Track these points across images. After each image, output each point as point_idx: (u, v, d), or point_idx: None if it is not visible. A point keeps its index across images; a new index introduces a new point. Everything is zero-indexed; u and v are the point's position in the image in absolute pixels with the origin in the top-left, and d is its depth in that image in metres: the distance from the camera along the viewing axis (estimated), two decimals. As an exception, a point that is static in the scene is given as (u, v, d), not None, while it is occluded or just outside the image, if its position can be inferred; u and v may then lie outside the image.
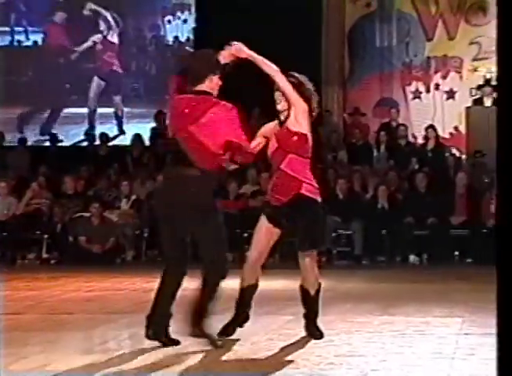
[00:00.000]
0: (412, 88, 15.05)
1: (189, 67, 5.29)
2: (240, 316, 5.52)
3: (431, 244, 11.67)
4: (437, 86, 14.99)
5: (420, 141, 14.15)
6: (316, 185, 5.50)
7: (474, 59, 14.80)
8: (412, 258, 11.62)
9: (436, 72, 14.99)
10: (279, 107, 5.47)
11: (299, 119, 5.43)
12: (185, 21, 16.02)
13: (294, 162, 5.41)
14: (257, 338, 5.51)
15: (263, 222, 5.55)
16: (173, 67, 15.55)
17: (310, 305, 5.50)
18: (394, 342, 5.36)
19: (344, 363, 4.66)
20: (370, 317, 6.44)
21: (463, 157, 13.76)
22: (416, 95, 15.05)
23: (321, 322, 6.03)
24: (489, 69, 14.65)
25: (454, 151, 14.24)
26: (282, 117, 5.48)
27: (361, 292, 8.44)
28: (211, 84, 5.17)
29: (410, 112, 15.05)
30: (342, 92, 15.16)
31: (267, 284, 8.87)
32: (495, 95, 13.50)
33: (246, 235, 12.22)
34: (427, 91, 15.04)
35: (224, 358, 4.92)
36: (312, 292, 5.48)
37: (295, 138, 5.43)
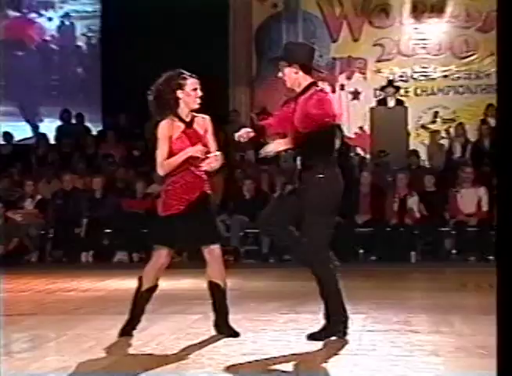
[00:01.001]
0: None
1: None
2: (136, 318, 5.52)
3: (337, 242, 11.79)
4: (342, 87, 15.21)
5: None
6: None
7: (378, 61, 15.07)
8: (319, 256, 11.74)
9: (341, 73, 15.20)
10: (197, 106, 5.52)
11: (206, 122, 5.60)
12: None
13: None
14: (164, 337, 5.49)
15: None
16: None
17: (221, 300, 5.52)
18: (300, 340, 5.42)
19: (247, 362, 4.69)
20: (276, 315, 6.49)
21: (368, 156, 13.99)
22: (322, 95, 15.23)
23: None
24: (392, 70, 14.96)
25: (359, 151, 14.46)
26: (187, 119, 5.49)
27: (267, 291, 8.49)
28: None
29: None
30: (249, 91, 15.23)
31: (174, 284, 8.87)
32: (397, 95, 13.79)
33: (153, 235, 12.19)
34: (333, 91, 15.22)
35: (129, 358, 4.90)
36: (222, 285, 5.53)
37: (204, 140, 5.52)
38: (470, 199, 11.46)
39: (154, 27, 14.23)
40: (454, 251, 11.58)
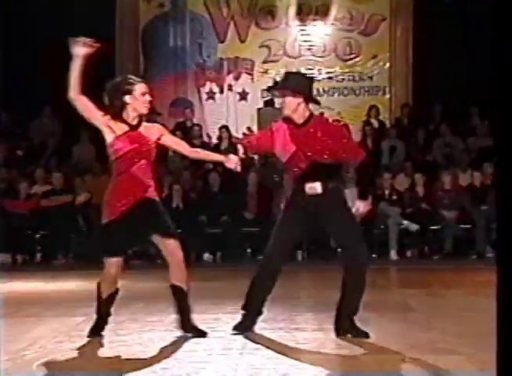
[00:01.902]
0: (206, 88, 15.25)
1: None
2: (103, 319, 5.57)
3: (224, 242, 11.89)
4: (230, 87, 15.27)
5: (214, 141, 14.35)
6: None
7: (265, 62, 15.20)
8: (205, 256, 11.79)
9: (229, 73, 15.26)
10: (145, 111, 5.55)
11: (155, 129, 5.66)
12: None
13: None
14: (46, 340, 5.40)
15: None
16: None
17: (183, 302, 5.61)
18: (186, 340, 5.43)
19: (132, 364, 4.67)
20: (163, 316, 6.47)
21: (255, 156, 14.08)
22: (210, 95, 15.27)
23: (113, 322, 6.00)
24: (279, 71, 15.11)
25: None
26: (134, 122, 5.50)
27: (154, 291, 8.43)
28: None
29: (205, 112, 15.24)
30: (137, 91, 15.12)
31: (58, 286, 8.74)
32: (284, 96, 13.91)
33: (38, 236, 11.96)
34: (221, 92, 15.29)
35: (8, 363, 4.79)
36: (184, 287, 5.61)
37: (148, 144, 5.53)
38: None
39: (43, 28, 13.96)
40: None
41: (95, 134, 15.04)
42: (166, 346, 5.22)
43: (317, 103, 5.78)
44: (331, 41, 15.10)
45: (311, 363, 4.68)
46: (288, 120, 5.60)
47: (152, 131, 5.55)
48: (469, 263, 10.95)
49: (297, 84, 5.63)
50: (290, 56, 15.17)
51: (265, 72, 15.14)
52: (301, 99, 5.55)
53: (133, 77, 5.62)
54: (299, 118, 5.57)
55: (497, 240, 2.88)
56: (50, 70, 14.52)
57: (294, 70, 15.12)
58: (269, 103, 13.90)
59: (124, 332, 5.69)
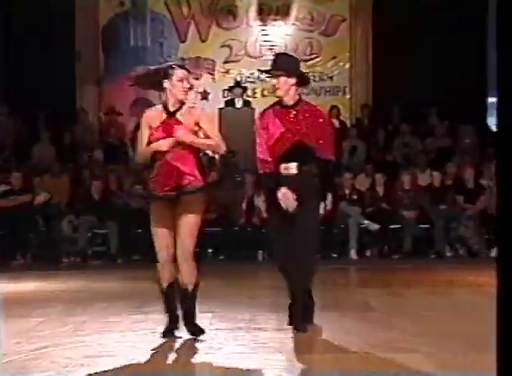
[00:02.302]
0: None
1: None
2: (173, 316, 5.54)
3: (186, 242, 11.85)
4: (191, 87, 15.23)
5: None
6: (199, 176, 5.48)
7: (226, 62, 15.19)
8: (167, 256, 11.74)
9: (190, 73, 15.22)
10: (182, 97, 5.49)
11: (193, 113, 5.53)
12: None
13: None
14: (6, 342, 5.35)
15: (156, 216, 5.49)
16: None
17: (190, 303, 5.52)
18: (146, 341, 5.41)
19: (92, 365, 4.65)
20: (123, 316, 6.46)
21: (216, 156, 14.07)
22: (171, 95, 15.21)
23: (73, 323, 5.99)
24: (240, 71, 15.12)
25: (208, 151, 14.49)
26: (172, 108, 5.46)
27: (115, 291, 8.41)
28: None
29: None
30: (97, 90, 15.03)
31: (17, 286, 8.66)
32: (245, 96, 13.94)
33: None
34: (181, 91, 15.23)
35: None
36: (190, 288, 5.50)
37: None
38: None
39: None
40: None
41: (55, 134, 14.94)
42: (126, 347, 5.20)
43: (308, 83, 5.84)
44: (292, 42, 15.13)
45: (271, 362, 4.70)
46: (277, 102, 5.67)
47: (190, 118, 5.47)
48: (428, 262, 11.05)
49: (291, 65, 5.69)
50: (251, 56, 15.17)
51: (227, 72, 15.12)
52: (294, 81, 5.61)
53: (177, 62, 5.68)
54: (289, 100, 5.63)
55: (497, 239, 2.87)
56: (7, 68, 14.46)
57: (255, 70, 15.23)
58: (230, 103, 13.90)
59: (85, 333, 5.67)
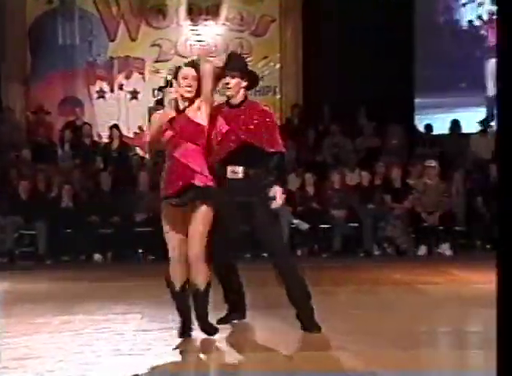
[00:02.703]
0: (97, 87, 15.04)
1: None
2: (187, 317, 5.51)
3: (115, 242, 11.78)
4: (121, 86, 15.11)
5: (106, 140, 14.18)
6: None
7: (156, 61, 15.10)
8: (96, 256, 11.65)
9: (119, 72, 15.09)
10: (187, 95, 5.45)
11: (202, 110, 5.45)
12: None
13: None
14: None
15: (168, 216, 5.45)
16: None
17: (200, 302, 5.44)
18: (74, 341, 5.37)
19: (19, 367, 4.59)
20: (50, 318, 6.38)
21: (146, 156, 14.00)
22: (101, 94, 15.07)
23: (-1, 325, 5.89)
24: (170, 71, 15.04)
25: (138, 150, 14.43)
26: (182, 106, 5.46)
27: (43, 293, 8.31)
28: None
29: (95, 111, 15.03)
30: (25, 89, 14.81)
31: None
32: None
33: None
34: (111, 90, 15.10)
35: None
36: (201, 287, 5.41)
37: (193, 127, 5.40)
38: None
39: None
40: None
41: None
42: (53, 348, 5.14)
43: (256, 85, 5.85)
44: (222, 42, 15.13)
45: (198, 363, 4.71)
46: (225, 102, 5.67)
47: (198, 114, 5.45)
48: (357, 261, 11.18)
49: (244, 67, 5.74)
50: (181, 56, 15.10)
51: (157, 71, 15.03)
52: (246, 84, 5.64)
53: (191, 59, 5.68)
54: (236, 100, 5.64)
55: (497, 239, 2.89)
56: None
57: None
58: (160, 103, 13.79)
59: (11, 334, 5.59)
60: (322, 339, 5.32)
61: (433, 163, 12.19)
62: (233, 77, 5.60)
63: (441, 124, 14.29)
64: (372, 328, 5.71)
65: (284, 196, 5.76)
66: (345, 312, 6.54)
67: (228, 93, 5.64)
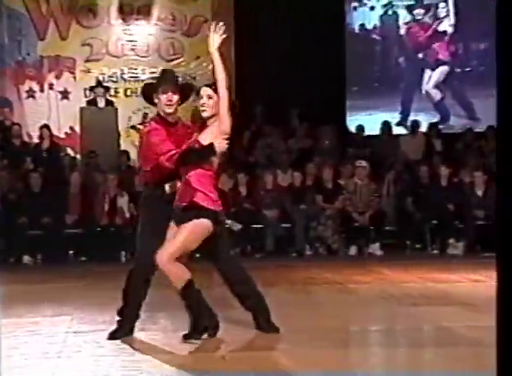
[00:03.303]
0: (26, 87, 14.84)
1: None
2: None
3: (46, 243, 11.63)
4: (51, 86, 14.93)
5: (36, 141, 14.00)
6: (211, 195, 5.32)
7: (87, 60, 14.97)
8: (26, 258, 11.48)
9: (50, 71, 14.91)
10: (205, 115, 5.37)
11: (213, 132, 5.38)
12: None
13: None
14: None
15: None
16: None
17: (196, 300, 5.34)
18: (3, 344, 5.27)
19: None
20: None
21: (78, 156, 13.87)
22: (30, 94, 14.87)
23: None
24: (102, 70, 14.93)
25: (69, 151, 14.29)
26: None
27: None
28: (160, 104, 5.47)
29: (25, 111, 14.83)
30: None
31: None
32: (107, 96, 13.78)
33: None
34: (41, 90, 14.92)
35: None
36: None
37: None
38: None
39: None
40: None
41: None
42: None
43: (188, 99, 5.72)
44: (154, 41, 15.08)
45: (130, 364, 4.68)
46: (163, 119, 5.53)
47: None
48: (289, 261, 11.24)
49: (177, 82, 5.70)
50: (113, 55, 15.02)
51: (88, 71, 14.91)
52: (178, 98, 5.55)
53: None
54: (173, 118, 5.56)
55: (497, 239, 2.90)
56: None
57: (118, 69, 15.09)
58: (92, 103, 13.70)
59: None
60: (250, 338, 5.34)
61: (363, 163, 12.33)
62: (174, 92, 5.51)
63: (372, 125, 14.48)
64: (301, 327, 5.75)
65: None
66: (275, 311, 6.55)
67: (168, 110, 5.51)
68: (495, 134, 2.90)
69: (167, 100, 5.46)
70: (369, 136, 14.34)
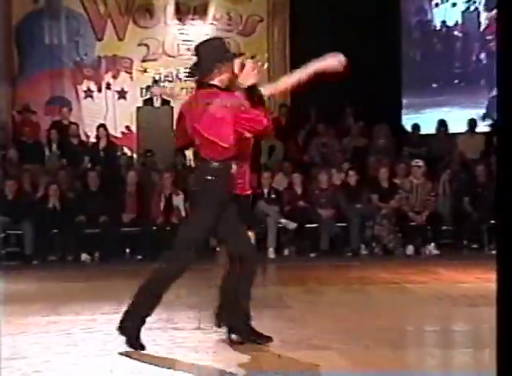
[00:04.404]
0: (84, 86, 15.04)
1: (197, 59, 5.20)
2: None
3: (103, 241, 11.76)
4: (108, 86, 15.10)
5: (93, 140, 14.17)
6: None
7: (143, 60, 15.12)
8: (83, 256, 11.63)
9: (107, 72, 15.09)
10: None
11: None
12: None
13: None
14: None
15: None
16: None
17: None
18: (60, 342, 5.35)
19: (6, 367, 4.58)
20: (37, 318, 6.37)
21: (134, 156, 14.00)
22: (88, 94, 15.06)
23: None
24: (157, 70, 15.05)
25: (126, 150, 14.43)
26: None
27: (30, 293, 8.30)
28: (220, 75, 5.08)
29: (82, 111, 15.02)
30: (11, 89, 14.77)
31: None
32: (163, 95, 13.88)
33: None
34: (99, 90, 15.10)
35: None
36: None
37: None
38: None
39: None
40: (218, 249, 11.80)
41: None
42: (40, 348, 5.13)
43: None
44: (210, 41, 15.15)
45: (187, 362, 4.71)
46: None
47: None
48: (344, 260, 11.19)
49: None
50: (169, 55, 15.13)
51: (144, 71, 15.06)
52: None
53: None
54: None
55: (497, 239, 2.88)
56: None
57: (173, 69, 15.19)
58: (148, 102, 13.82)
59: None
60: (307, 338, 5.32)
61: (419, 162, 12.22)
62: None
63: (428, 124, 14.33)
64: (357, 327, 5.73)
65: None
66: (331, 311, 6.55)
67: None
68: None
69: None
70: (425, 135, 14.20)
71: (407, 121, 14.89)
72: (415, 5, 15.69)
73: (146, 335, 5.49)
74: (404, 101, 15.18)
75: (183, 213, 11.85)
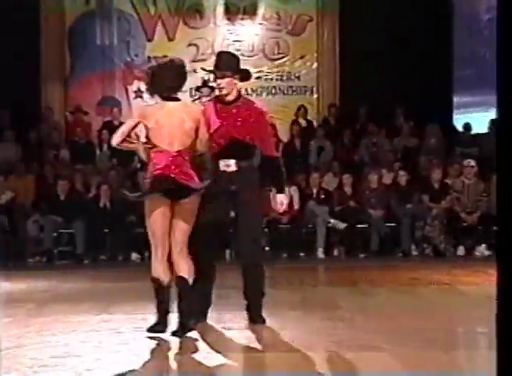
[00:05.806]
0: (134, 87, 15.13)
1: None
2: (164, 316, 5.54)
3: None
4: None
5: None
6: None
7: (193, 61, 15.13)
8: (134, 256, 11.71)
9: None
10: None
11: None
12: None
13: None
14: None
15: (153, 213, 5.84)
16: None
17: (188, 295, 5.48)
18: (111, 341, 5.39)
19: (58, 365, 4.62)
20: (89, 316, 6.42)
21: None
22: (138, 94, 15.14)
23: (38, 323, 5.95)
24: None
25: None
26: None
27: (81, 292, 8.38)
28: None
29: (133, 111, 15.11)
30: (63, 89, 14.94)
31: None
32: (212, 95, 13.89)
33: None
34: (150, 90, 15.17)
35: None
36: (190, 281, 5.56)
37: None
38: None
39: None
40: (267, 248, 11.79)
41: (20, 133, 14.72)
42: (91, 347, 5.18)
43: (249, 79, 5.88)
44: (259, 41, 15.14)
45: (237, 360, 4.71)
46: (218, 98, 5.75)
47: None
48: (394, 261, 11.11)
49: (235, 64, 5.79)
50: (218, 56, 15.15)
51: (194, 71, 15.07)
52: (237, 80, 5.73)
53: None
54: (230, 97, 5.71)
55: (497, 239, 2.87)
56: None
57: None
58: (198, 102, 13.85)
59: (50, 333, 5.63)
60: (357, 338, 5.29)
61: (471, 162, 12.09)
62: (223, 77, 5.67)
63: (480, 124, 14.16)
64: (408, 328, 5.68)
65: (287, 203, 6.03)
66: (381, 312, 6.51)
67: (223, 92, 5.71)
68: None
69: (217, 84, 5.74)
70: (476, 135, 14.03)
71: (458, 120, 14.72)
72: (487, 3, 15.47)
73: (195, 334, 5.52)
74: (455, 100, 15.00)
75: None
